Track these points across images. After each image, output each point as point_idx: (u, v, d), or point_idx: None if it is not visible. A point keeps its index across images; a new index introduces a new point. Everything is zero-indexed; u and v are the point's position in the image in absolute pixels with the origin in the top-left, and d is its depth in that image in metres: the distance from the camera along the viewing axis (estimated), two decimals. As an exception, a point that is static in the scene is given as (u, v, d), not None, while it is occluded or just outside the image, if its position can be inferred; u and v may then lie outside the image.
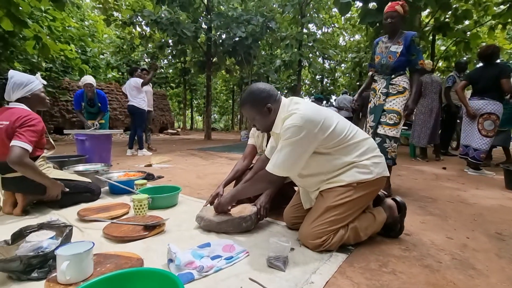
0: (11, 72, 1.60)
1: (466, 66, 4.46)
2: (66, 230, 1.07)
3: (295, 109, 1.16)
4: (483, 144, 3.08)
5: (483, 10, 7.08)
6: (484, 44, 6.70)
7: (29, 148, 1.47)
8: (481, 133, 3.09)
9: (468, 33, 7.64)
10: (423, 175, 3.15)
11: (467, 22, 7.48)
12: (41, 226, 1.11)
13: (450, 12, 7.03)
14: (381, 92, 2.17)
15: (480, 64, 3.30)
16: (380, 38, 2.30)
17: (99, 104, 3.97)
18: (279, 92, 1.29)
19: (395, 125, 2.07)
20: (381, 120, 2.12)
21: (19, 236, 1.06)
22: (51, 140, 1.75)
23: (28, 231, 1.06)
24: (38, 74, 1.75)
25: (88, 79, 3.81)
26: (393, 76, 2.14)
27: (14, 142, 1.45)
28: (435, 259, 1.15)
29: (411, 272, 1.04)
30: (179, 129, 14.04)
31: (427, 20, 7.72)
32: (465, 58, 8.02)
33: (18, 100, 1.61)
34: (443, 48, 11.44)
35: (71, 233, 1.11)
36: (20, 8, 5.07)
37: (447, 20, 7.30)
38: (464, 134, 3.31)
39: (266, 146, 1.57)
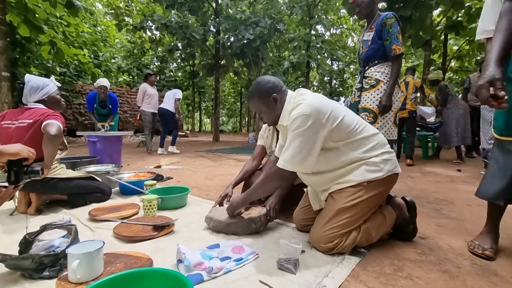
0: (27, 76, 1.66)
1: None
2: (72, 229, 1.08)
3: (302, 99, 1.15)
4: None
5: (498, 7, 6.86)
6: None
7: (62, 127, 1.57)
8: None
9: (483, 31, 7.42)
10: (437, 177, 3.05)
11: (481, 21, 7.28)
12: (44, 228, 1.10)
13: (463, 11, 6.85)
14: (355, 88, 1.94)
15: None
16: (365, 27, 2.01)
17: (110, 106, 4.07)
18: (284, 85, 1.28)
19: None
20: None
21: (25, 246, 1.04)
22: (65, 141, 1.78)
23: (33, 237, 1.05)
24: (53, 77, 1.81)
25: (103, 81, 3.94)
26: (366, 67, 1.87)
27: (49, 121, 1.52)
28: (454, 264, 1.10)
29: (428, 277, 0.99)
30: (187, 131, 14.19)
31: (439, 19, 7.55)
32: (479, 58, 7.80)
33: (36, 102, 1.67)
34: (455, 47, 11.16)
35: (77, 231, 1.11)
36: (37, 15, 5.26)
37: (459, 19, 7.11)
38: (484, 137, 3.18)
39: (275, 146, 1.55)
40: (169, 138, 5.39)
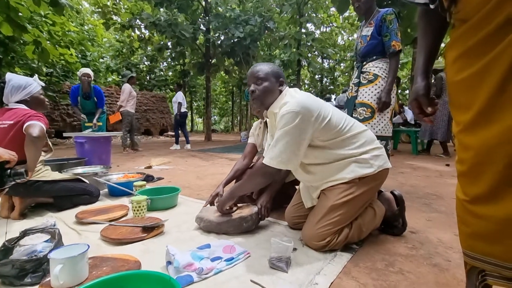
0: (8, 75, 1.58)
1: None
2: (55, 232, 1.04)
3: (293, 97, 1.17)
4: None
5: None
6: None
7: (45, 128, 1.51)
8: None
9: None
10: (427, 172, 3.10)
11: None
12: (24, 233, 1.05)
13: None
14: (353, 83, 1.94)
15: None
16: (362, 22, 2.01)
17: (95, 99, 3.91)
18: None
19: (366, 120, 1.80)
20: (353, 116, 1.86)
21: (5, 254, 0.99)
22: (49, 143, 1.72)
23: (13, 243, 1.00)
24: (36, 76, 1.73)
25: (86, 69, 3.84)
26: (364, 63, 1.88)
27: (31, 122, 1.46)
28: (444, 257, 1.11)
29: (419, 271, 1.00)
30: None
31: (426, 17, 7.66)
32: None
33: (18, 102, 1.60)
34: (442, 45, 11.37)
35: (60, 234, 1.07)
36: (20, 13, 5.07)
37: (447, 16, 7.23)
38: None
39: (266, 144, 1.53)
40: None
